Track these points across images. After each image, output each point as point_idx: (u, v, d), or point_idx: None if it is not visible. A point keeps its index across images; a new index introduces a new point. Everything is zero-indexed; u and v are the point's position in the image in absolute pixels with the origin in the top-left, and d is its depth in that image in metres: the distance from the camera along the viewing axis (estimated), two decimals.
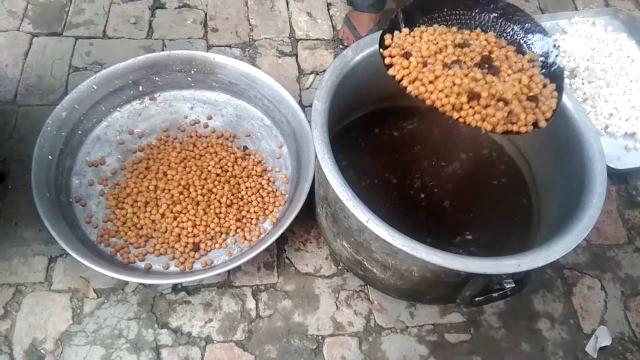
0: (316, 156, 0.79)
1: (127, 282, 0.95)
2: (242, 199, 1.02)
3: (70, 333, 0.90)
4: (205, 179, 1.03)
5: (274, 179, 1.07)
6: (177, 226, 0.97)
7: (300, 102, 1.19)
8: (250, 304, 0.96)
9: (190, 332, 0.92)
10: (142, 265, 0.95)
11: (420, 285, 0.83)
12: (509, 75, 0.77)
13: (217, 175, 1.04)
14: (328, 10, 1.41)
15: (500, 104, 0.72)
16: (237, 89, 1.15)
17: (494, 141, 1.07)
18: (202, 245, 0.97)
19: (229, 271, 0.98)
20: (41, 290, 0.94)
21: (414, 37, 0.80)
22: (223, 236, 0.99)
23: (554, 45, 0.82)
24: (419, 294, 0.90)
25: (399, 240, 0.71)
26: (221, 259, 0.97)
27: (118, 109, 1.12)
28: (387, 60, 0.78)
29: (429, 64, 0.76)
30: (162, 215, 0.98)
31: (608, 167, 0.84)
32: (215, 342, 0.92)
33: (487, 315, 0.99)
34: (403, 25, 0.82)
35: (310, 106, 0.85)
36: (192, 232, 0.97)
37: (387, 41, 0.80)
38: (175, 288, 0.96)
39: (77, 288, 0.94)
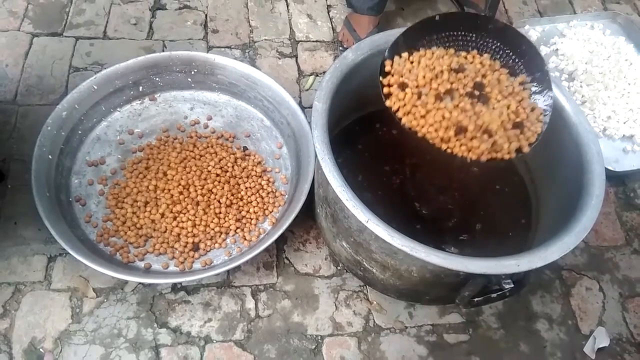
0: (316, 156, 0.79)
1: (126, 282, 0.95)
2: (241, 199, 1.03)
3: (69, 332, 0.90)
4: (205, 179, 1.03)
5: (273, 180, 1.07)
6: (176, 226, 0.98)
7: (300, 104, 1.20)
8: (250, 303, 0.96)
9: (190, 332, 0.92)
10: (141, 264, 0.95)
11: (420, 285, 0.83)
12: (498, 101, 0.80)
13: (217, 175, 1.04)
14: (328, 12, 1.42)
15: (485, 136, 0.77)
16: (237, 89, 1.15)
17: None
18: (201, 245, 0.97)
19: (228, 271, 0.99)
20: (40, 290, 0.94)
21: (412, 62, 0.83)
22: (223, 236, 0.99)
23: (546, 68, 0.84)
24: (418, 295, 0.90)
25: (399, 240, 0.71)
26: (221, 258, 0.97)
27: (118, 109, 1.12)
28: (385, 90, 0.81)
29: (423, 94, 0.80)
30: (162, 215, 0.99)
31: (606, 169, 0.85)
32: (214, 341, 0.92)
33: (485, 316, 1.00)
34: (404, 49, 0.84)
35: (310, 107, 0.85)
36: (192, 232, 0.98)
37: (387, 68, 0.82)
38: (175, 288, 0.96)
39: (77, 287, 0.94)
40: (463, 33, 0.88)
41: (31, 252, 0.97)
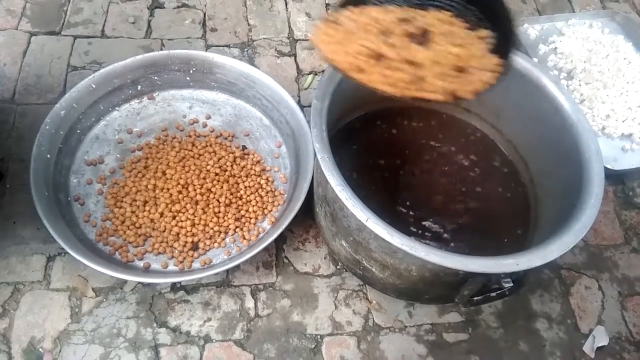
0: (315, 155, 0.79)
1: (125, 281, 0.95)
2: (241, 199, 1.03)
3: (68, 332, 0.90)
4: (204, 178, 1.03)
5: (272, 179, 1.07)
6: (175, 225, 0.97)
7: (299, 102, 1.20)
8: (249, 303, 0.96)
9: (189, 331, 0.92)
10: (140, 264, 0.95)
11: (419, 284, 0.83)
12: (440, 45, 0.70)
13: (216, 174, 1.04)
14: (327, 11, 1.41)
15: (409, 67, 0.67)
16: (235, 88, 1.15)
17: (493, 142, 1.07)
18: (200, 245, 0.97)
19: (227, 270, 0.98)
20: (39, 289, 0.93)
21: (362, 14, 0.74)
22: (222, 235, 0.99)
23: (513, 25, 0.73)
24: (417, 294, 0.90)
25: (398, 239, 0.71)
26: (220, 258, 0.97)
27: (117, 108, 1.11)
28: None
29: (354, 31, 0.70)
30: (161, 214, 0.98)
31: (605, 168, 0.84)
32: (214, 341, 0.92)
33: (485, 315, 1.00)
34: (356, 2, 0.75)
35: (309, 106, 0.85)
36: (191, 231, 0.97)
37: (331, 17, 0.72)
38: (174, 287, 0.96)
39: (76, 287, 0.94)
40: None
41: (30, 251, 0.97)
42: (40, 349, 0.88)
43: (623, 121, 1.21)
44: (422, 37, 0.71)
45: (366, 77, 0.67)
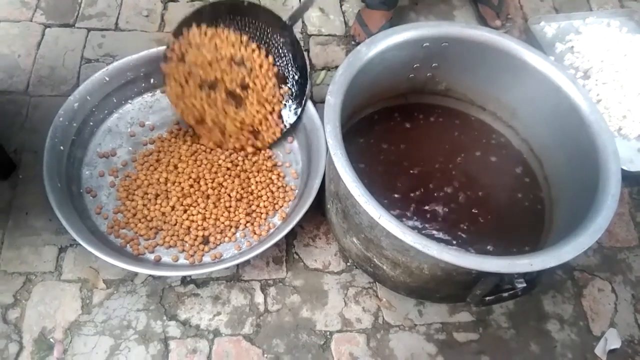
0: (328, 152, 0.79)
1: (136, 274, 0.95)
2: (252, 194, 1.02)
3: (79, 323, 0.90)
4: (216, 172, 1.03)
5: (284, 174, 1.07)
6: (187, 219, 0.98)
7: (311, 98, 1.19)
8: (259, 298, 0.96)
9: (199, 325, 0.92)
10: (151, 257, 0.95)
11: (431, 283, 0.83)
12: (252, 104, 1.00)
13: (228, 169, 1.04)
14: (340, 6, 1.41)
15: (217, 131, 1.01)
16: None
17: (507, 140, 1.06)
18: (211, 239, 0.97)
19: (237, 265, 0.98)
20: (51, 280, 0.94)
21: (205, 35, 0.96)
22: (232, 230, 0.99)
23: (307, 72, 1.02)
24: (428, 292, 0.90)
25: (411, 237, 0.71)
26: (230, 252, 0.97)
27: (129, 101, 1.12)
28: (169, 53, 0.97)
29: (192, 75, 0.96)
30: (172, 207, 0.98)
31: (621, 169, 0.83)
32: (223, 335, 0.92)
33: (496, 315, 0.99)
34: (206, 20, 0.97)
35: (322, 102, 0.85)
36: (202, 225, 0.97)
37: (183, 33, 0.98)
38: (184, 280, 0.96)
39: (87, 278, 0.95)
40: (264, 26, 0.99)
41: (42, 242, 0.97)
42: (51, 339, 0.89)
43: None
44: (239, 96, 0.99)
45: (196, 130, 1.04)
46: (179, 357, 0.89)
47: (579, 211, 0.82)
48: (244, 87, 0.98)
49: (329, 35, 1.35)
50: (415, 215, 0.95)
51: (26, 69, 1.19)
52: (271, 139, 1.04)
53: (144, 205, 0.99)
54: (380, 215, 0.72)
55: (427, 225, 0.94)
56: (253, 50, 0.98)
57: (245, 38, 0.97)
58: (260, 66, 0.99)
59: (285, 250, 1.01)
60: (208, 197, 1.00)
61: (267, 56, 0.99)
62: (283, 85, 1.01)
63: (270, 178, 1.05)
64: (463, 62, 0.98)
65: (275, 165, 1.07)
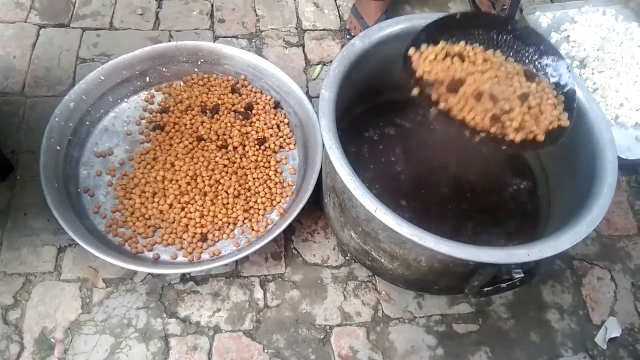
0: (324, 146, 0.79)
1: (135, 272, 0.96)
2: (249, 190, 1.02)
3: (79, 322, 0.91)
4: (213, 169, 1.03)
5: (281, 170, 1.06)
6: (184, 216, 0.98)
7: (307, 93, 1.19)
8: (258, 294, 0.96)
9: (199, 322, 0.93)
10: (150, 255, 0.95)
11: (428, 275, 0.83)
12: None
13: (225, 166, 1.04)
14: (335, 0, 1.40)
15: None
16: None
17: None
18: (209, 236, 0.97)
19: (236, 261, 0.99)
20: (50, 280, 0.94)
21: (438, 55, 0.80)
22: (230, 227, 0.99)
23: (567, 67, 0.84)
24: (427, 284, 0.90)
25: (407, 229, 0.71)
26: (229, 249, 0.97)
27: (125, 99, 1.12)
28: (415, 91, 0.79)
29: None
30: (170, 205, 0.99)
31: (618, 157, 0.83)
32: (223, 331, 0.92)
33: (495, 306, 0.99)
34: (427, 45, 0.81)
35: (317, 97, 0.85)
36: (200, 222, 0.97)
37: (416, 63, 0.79)
38: (184, 278, 0.97)
39: (86, 278, 0.95)
40: (484, 31, 0.84)
41: (41, 242, 0.98)
42: (51, 339, 0.89)
43: (637, 110, 1.19)
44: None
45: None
46: (179, 354, 0.89)
47: (576, 200, 0.82)
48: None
49: (324, 29, 1.34)
50: (411, 208, 0.95)
51: (22, 70, 1.19)
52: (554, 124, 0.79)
53: (142, 203, 0.99)
54: (376, 208, 0.72)
55: (423, 218, 0.94)
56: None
57: (479, 48, 0.83)
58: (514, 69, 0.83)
59: (284, 246, 1.02)
60: (205, 194, 1.00)
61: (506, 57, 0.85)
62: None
63: (268, 174, 1.05)
64: None
65: (272, 161, 1.07)
